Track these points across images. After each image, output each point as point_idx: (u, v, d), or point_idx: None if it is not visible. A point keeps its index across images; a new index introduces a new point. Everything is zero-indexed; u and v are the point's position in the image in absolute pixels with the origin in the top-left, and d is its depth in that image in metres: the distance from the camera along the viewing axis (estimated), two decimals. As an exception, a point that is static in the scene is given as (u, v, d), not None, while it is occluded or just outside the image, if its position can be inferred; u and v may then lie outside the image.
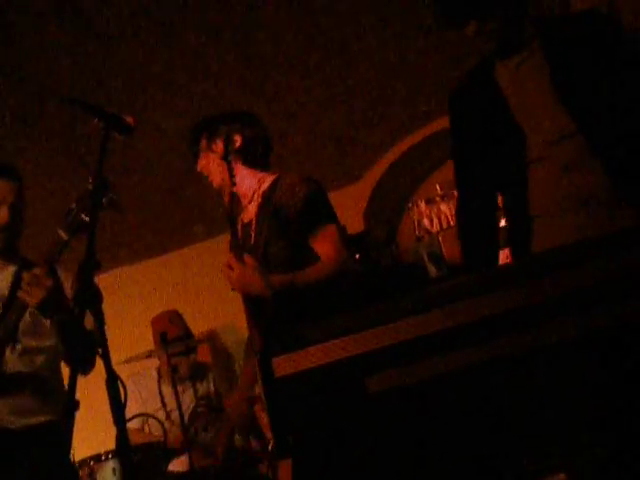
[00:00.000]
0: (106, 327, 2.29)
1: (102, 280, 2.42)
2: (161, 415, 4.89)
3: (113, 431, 2.23)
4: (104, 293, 2.33)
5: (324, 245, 3.11)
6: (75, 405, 2.20)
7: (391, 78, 6.07)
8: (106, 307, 2.35)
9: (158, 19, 5.51)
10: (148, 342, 5.24)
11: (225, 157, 3.16)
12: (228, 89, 5.88)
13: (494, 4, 2.56)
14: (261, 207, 3.24)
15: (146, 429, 4.98)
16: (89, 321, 2.77)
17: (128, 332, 5.86)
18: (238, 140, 3.29)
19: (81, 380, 2.97)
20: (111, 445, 2.28)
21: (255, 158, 3.35)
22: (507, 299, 1.83)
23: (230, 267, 2.95)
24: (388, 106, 6.27)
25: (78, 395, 2.21)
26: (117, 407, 2.22)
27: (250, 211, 3.31)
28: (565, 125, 2.57)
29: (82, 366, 3.17)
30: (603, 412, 1.78)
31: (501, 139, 2.70)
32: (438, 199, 5.31)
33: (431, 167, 6.52)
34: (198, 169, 3.37)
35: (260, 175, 3.32)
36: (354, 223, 5.98)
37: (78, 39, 5.56)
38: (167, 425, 4.73)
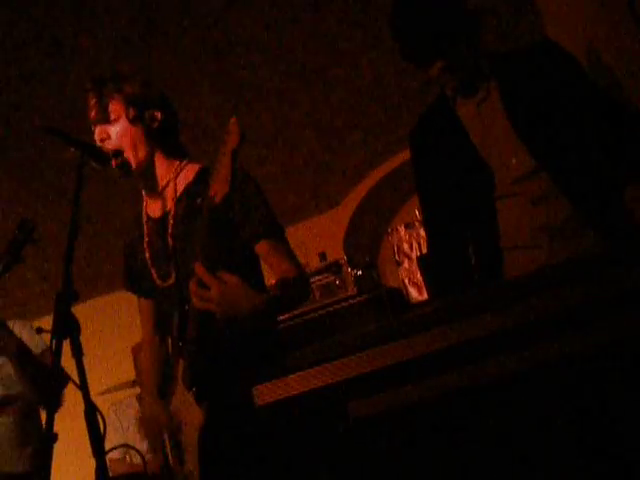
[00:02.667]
0: (86, 357, 2.27)
1: (81, 310, 2.38)
2: (143, 445, 4.84)
3: (93, 463, 2.21)
4: (84, 323, 2.30)
5: (276, 259, 2.70)
6: (53, 437, 2.17)
7: (368, 103, 6.09)
8: (87, 337, 2.32)
9: (135, 47, 5.52)
10: (130, 371, 5.19)
11: (149, 133, 2.77)
12: (204, 116, 5.89)
13: (457, 43, 2.59)
14: (183, 202, 2.77)
15: (127, 459, 4.93)
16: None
17: (109, 362, 5.83)
18: (158, 117, 2.80)
19: (60, 412, 2.96)
20: (91, 477, 2.26)
21: (171, 143, 2.86)
22: (488, 323, 1.82)
23: (203, 285, 2.44)
24: (366, 132, 6.29)
25: (57, 427, 2.19)
26: (96, 439, 2.20)
27: (162, 204, 2.83)
28: (530, 162, 2.61)
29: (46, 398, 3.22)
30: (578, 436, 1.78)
31: (466, 173, 2.72)
32: (417, 224, 5.31)
33: (410, 192, 6.53)
34: (103, 137, 2.75)
35: (176, 163, 2.84)
36: (333, 249, 5.97)
37: (57, 68, 5.56)
38: (150, 455, 4.68)
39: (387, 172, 6.60)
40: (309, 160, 6.40)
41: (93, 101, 2.77)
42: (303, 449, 1.96)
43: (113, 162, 2.74)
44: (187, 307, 2.56)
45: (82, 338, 2.25)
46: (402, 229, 5.40)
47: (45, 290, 6.48)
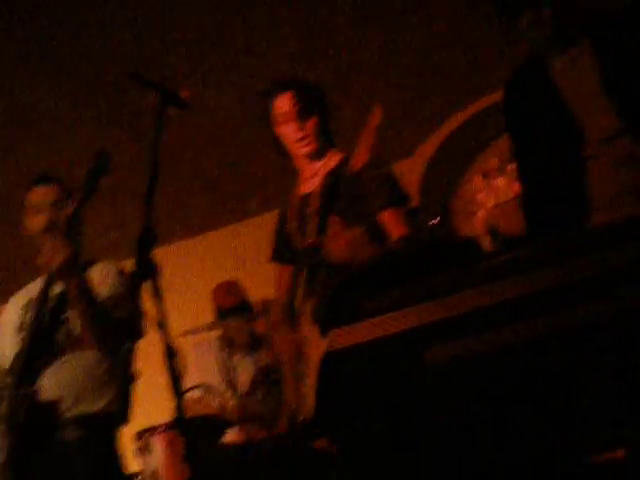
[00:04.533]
0: (168, 300, 2.30)
1: (159, 253, 2.42)
2: (222, 386, 4.93)
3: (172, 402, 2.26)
4: (167, 266, 2.33)
5: (396, 224, 3.11)
6: (134, 376, 2.22)
7: (447, 49, 6.02)
8: (169, 280, 2.35)
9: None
10: (210, 314, 5.27)
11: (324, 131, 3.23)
12: (281, 63, 5.89)
13: None
14: (327, 181, 3.18)
15: (205, 400, 5.01)
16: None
17: (191, 304, 5.91)
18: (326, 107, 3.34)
19: (142, 351, 3.02)
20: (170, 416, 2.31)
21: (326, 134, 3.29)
22: (561, 274, 1.82)
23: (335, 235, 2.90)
24: (443, 77, 6.22)
25: (139, 365, 2.23)
26: (174, 380, 2.25)
27: (311, 184, 3.25)
28: (617, 123, 2.58)
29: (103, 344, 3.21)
30: None
31: (558, 131, 2.69)
32: (494, 173, 5.26)
33: (487, 140, 6.46)
34: (301, 136, 3.22)
35: (328, 152, 3.28)
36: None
37: (139, 12, 5.61)
38: (227, 396, 4.77)
39: (464, 119, 6.53)
40: (383, 107, 6.36)
41: (292, 102, 3.20)
42: (378, 394, 1.98)
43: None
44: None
45: (165, 281, 2.29)
46: (478, 178, 5.35)
47: (123, 236, 6.59)
